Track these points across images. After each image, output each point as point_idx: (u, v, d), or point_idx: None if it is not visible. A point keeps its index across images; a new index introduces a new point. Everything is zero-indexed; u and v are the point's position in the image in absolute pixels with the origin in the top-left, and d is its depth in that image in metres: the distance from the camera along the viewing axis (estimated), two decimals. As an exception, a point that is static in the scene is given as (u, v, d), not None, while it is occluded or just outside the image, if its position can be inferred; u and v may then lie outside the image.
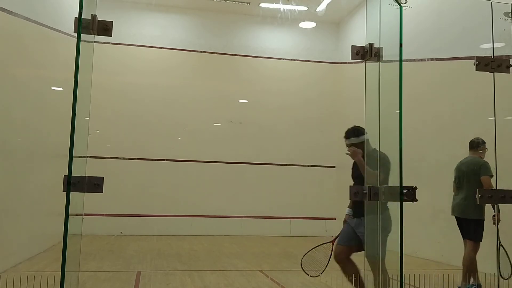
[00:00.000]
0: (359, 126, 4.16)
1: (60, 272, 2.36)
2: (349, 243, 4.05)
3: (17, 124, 6.46)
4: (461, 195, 5.53)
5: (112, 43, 10.36)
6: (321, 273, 4.30)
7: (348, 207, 4.34)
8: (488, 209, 5.37)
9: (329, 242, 4.31)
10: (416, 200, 2.68)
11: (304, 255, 4.38)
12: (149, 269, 6.58)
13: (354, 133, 4.18)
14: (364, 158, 3.80)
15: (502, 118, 3.74)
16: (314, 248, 4.36)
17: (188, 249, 8.77)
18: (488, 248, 6.15)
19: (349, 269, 4.05)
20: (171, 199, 10.98)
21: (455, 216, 5.59)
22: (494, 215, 5.02)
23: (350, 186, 2.82)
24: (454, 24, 7.67)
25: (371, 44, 2.85)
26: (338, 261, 4.10)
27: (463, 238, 5.44)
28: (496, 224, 4.57)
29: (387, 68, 2.87)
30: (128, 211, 10.78)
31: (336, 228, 12.18)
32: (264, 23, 11.95)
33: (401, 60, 2.80)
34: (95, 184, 2.41)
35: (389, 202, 2.81)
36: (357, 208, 4.01)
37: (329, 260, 4.25)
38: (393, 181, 2.74)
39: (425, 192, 7.25)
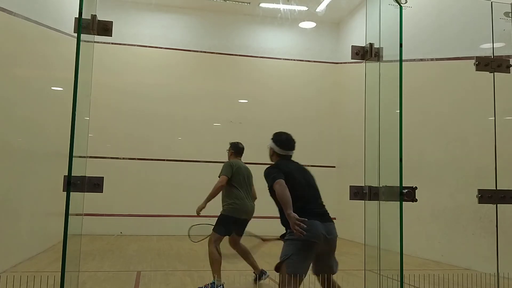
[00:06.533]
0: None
1: (60, 272, 2.37)
2: None
3: (18, 124, 6.46)
4: (249, 196, 5.65)
5: (112, 43, 10.35)
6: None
7: None
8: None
9: None
10: (416, 200, 2.68)
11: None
12: (149, 269, 6.58)
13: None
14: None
15: (502, 118, 3.74)
16: None
17: (188, 249, 8.76)
18: (488, 248, 6.16)
19: None
20: (171, 199, 10.97)
21: (244, 218, 5.53)
22: None
23: (350, 186, 2.82)
24: (454, 24, 7.67)
25: (371, 44, 2.85)
26: None
27: (238, 235, 5.53)
28: None
29: (387, 68, 2.87)
30: (128, 211, 10.78)
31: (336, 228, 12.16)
32: (264, 23, 11.94)
33: (401, 60, 2.80)
34: (95, 184, 2.41)
35: (389, 202, 2.81)
36: None
37: None
38: (393, 181, 2.74)
39: (425, 192, 7.27)
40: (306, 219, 3.19)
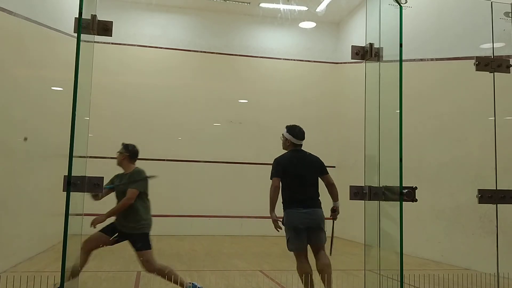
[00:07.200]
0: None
1: (60, 272, 2.37)
2: None
3: (17, 124, 6.46)
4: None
5: (112, 43, 10.35)
6: None
7: None
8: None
9: None
10: (416, 200, 2.68)
11: None
12: (149, 269, 6.57)
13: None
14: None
15: (502, 118, 3.74)
16: None
17: (188, 249, 8.77)
18: (488, 248, 6.15)
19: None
20: (171, 199, 10.96)
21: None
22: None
23: (350, 186, 2.82)
24: (454, 24, 7.67)
25: (371, 44, 2.85)
26: None
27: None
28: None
29: (387, 68, 2.87)
30: (128, 211, 10.77)
31: (335, 227, 12.17)
32: (264, 23, 11.94)
33: (401, 60, 2.80)
34: (95, 184, 2.41)
35: (389, 202, 2.81)
36: None
37: None
38: (393, 181, 2.74)
39: (425, 192, 7.29)
40: (280, 220, 4.44)
